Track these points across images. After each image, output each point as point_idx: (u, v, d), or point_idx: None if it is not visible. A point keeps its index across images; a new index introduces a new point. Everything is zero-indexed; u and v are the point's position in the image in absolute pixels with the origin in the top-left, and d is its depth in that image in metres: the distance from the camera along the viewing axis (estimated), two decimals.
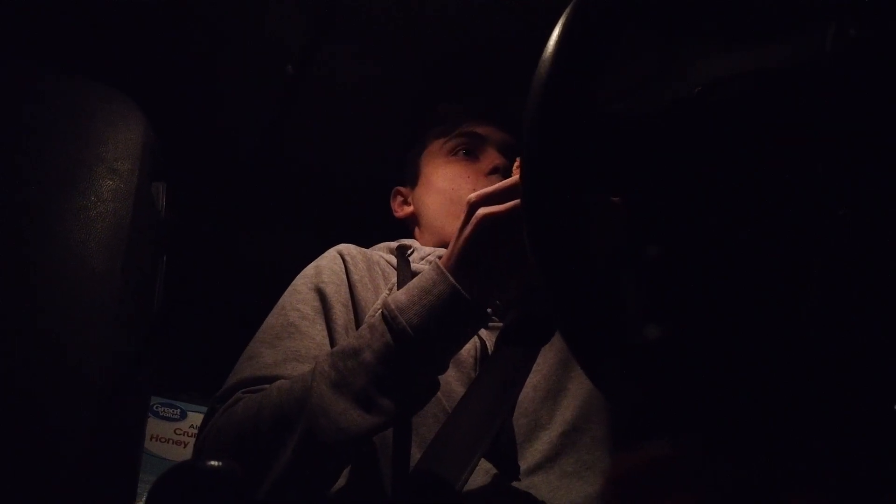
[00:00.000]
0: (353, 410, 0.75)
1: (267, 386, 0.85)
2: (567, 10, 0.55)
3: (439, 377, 0.82)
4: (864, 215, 0.51)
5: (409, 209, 1.22)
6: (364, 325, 0.81)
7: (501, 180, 1.09)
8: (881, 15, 0.49)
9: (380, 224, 1.28)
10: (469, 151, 1.16)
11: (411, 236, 1.21)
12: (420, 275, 0.80)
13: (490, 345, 0.97)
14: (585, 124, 0.55)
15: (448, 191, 1.14)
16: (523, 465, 0.87)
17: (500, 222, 0.75)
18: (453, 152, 1.17)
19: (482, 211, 0.76)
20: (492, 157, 1.15)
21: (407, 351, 0.76)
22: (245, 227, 1.58)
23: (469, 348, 0.96)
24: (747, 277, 0.56)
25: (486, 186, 1.09)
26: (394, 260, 1.08)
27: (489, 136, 1.17)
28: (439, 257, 1.07)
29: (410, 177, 1.23)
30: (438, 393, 0.87)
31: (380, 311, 0.80)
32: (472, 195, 0.79)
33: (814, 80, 0.52)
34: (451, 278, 0.76)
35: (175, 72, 1.29)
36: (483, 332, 0.98)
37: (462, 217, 0.79)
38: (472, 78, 1.33)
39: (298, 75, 1.21)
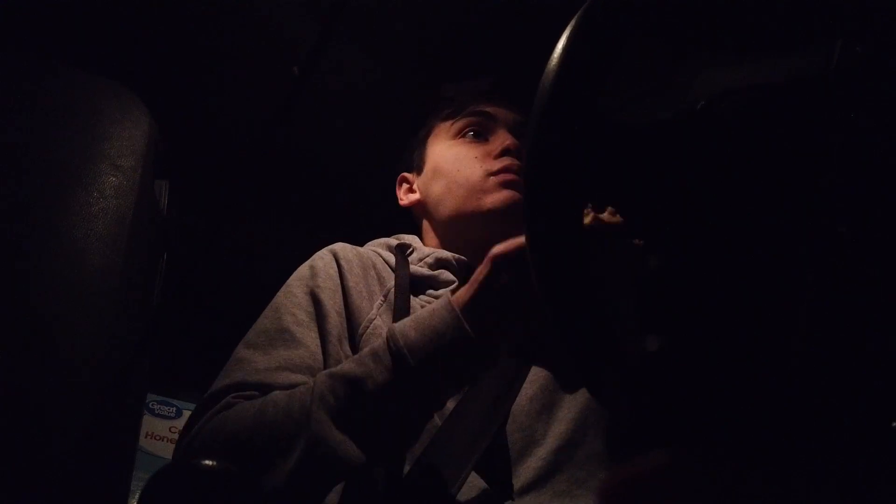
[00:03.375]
0: (352, 443, 0.74)
1: (257, 394, 0.83)
2: (573, 21, 0.54)
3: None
4: (865, 231, 0.51)
5: (415, 197, 1.14)
6: (367, 351, 0.78)
7: (512, 161, 1.03)
8: (888, 32, 0.49)
9: (383, 226, 1.27)
10: (478, 133, 1.09)
11: (416, 225, 1.16)
12: (432, 311, 0.77)
13: None
14: (588, 135, 0.55)
15: (456, 173, 1.07)
16: (516, 483, 0.85)
17: (514, 261, 0.73)
18: (461, 133, 1.10)
19: (496, 249, 0.74)
20: (502, 138, 1.07)
21: (411, 390, 0.75)
22: (247, 227, 1.58)
23: None
24: (746, 291, 0.56)
25: (497, 167, 1.04)
26: (391, 258, 1.04)
27: (499, 116, 1.10)
28: (437, 259, 1.03)
29: (416, 163, 1.16)
30: None
31: (385, 340, 0.77)
32: (497, 247, 0.76)
33: (819, 94, 0.52)
34: (465, 324, 0.74)
35: (181, 70, 1.29)
36: None
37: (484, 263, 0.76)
38: (478, 59, 1.29)
39: (305, 77, 1.21)
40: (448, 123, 1.12)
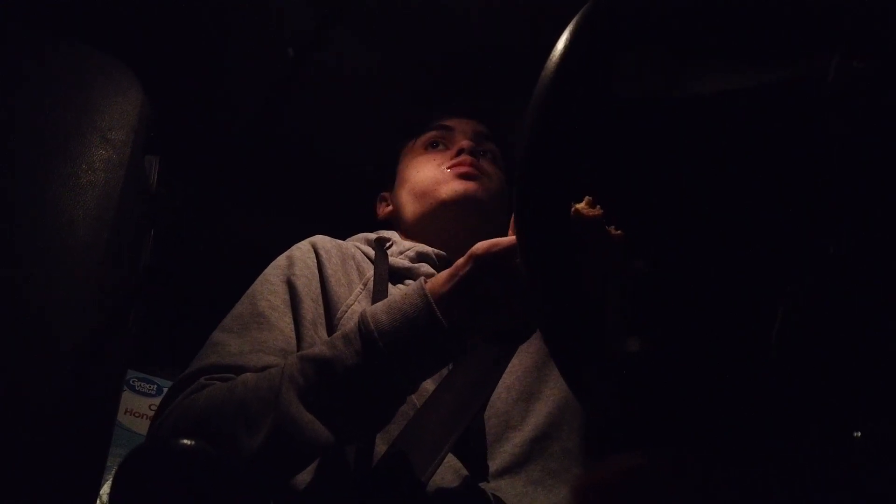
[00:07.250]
0: (320, 423, 0.74)
1: (231, 375, 0.84)
2: (571, 24, 0.54)
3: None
4: (857, 237, 0.51)
5: (389, 209, 1.24)
6: (339, 334, 0.79)
7: (469, 161, 1.12)
8: (886, 50, 0.49)
9: (371, 213, 1.28)
10: (438, 143, 1.20)
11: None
12: (405, 295, 0.79)
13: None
14: (583, 136, 0.55)
15: (416, 179, 1.16)
16: (492, 466, 0.87)
17: (496, 263, 0.75)
18: (424, 146, 1.21)
19: (479, 248, 0.76)
20: (458, 142, 1.18)
21: (379, 374, 0.75)
22: (234, 206, 1.57)
23: None
24: (731, 293, 0.56)
25: (455, 167, 1.13)
26: (371, 252, 1.07)
27: (458, 127, 1.21)
28: (418, 253, 1.06)
29: (390, 182, 1.27)
30: None
31: (356, 323, 0.78)
32: (480, 245, 0.77)
33: (816, 102, 0.52)
34: (436, 311, 0.75)
35: (176, 46, 1.28)
36: None
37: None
38: (462, 80, 1.36)
39: (299, 59, 1.21)
40: (413, 141, 1.23)
